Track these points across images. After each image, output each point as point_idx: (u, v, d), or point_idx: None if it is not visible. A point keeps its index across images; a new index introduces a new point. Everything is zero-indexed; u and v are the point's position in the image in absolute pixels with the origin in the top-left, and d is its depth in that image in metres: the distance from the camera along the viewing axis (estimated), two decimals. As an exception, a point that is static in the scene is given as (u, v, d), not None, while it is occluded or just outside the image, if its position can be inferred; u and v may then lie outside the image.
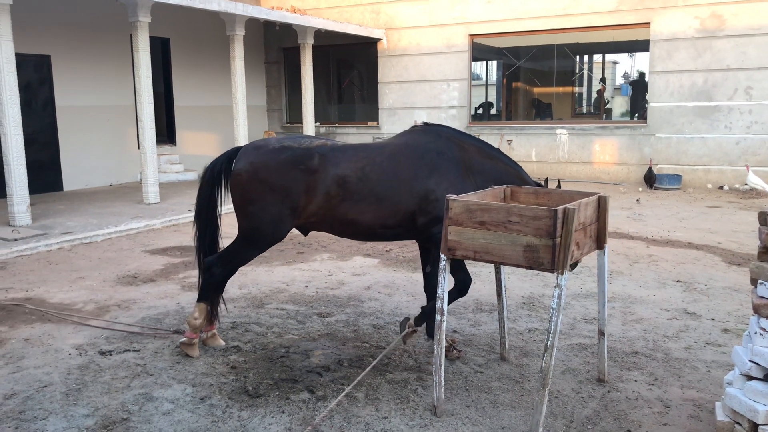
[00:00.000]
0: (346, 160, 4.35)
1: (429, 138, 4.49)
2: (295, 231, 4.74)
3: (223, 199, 4.69)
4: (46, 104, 12.50)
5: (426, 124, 4.66)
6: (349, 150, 4.44)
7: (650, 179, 13.17)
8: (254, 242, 4.51)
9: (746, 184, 12.45)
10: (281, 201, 4.32)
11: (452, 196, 3.64)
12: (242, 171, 4.39)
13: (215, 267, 4.63)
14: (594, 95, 20.24)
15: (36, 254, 7.98)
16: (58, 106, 12.67)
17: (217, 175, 4.62)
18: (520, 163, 4.99)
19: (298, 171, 4.30)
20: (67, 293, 6.34)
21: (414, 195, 4.31)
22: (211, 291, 4.69)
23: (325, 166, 4.31)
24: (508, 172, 4.50)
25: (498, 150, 4.63)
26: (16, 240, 8.24)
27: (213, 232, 4.78)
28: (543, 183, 4.59)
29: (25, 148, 9.31)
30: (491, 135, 14.87)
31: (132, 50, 11.25)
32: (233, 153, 4.59)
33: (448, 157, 4.38)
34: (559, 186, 4.54)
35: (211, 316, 4.79)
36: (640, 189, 12.90)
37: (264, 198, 4.33)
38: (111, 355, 4.72)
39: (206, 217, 4.73)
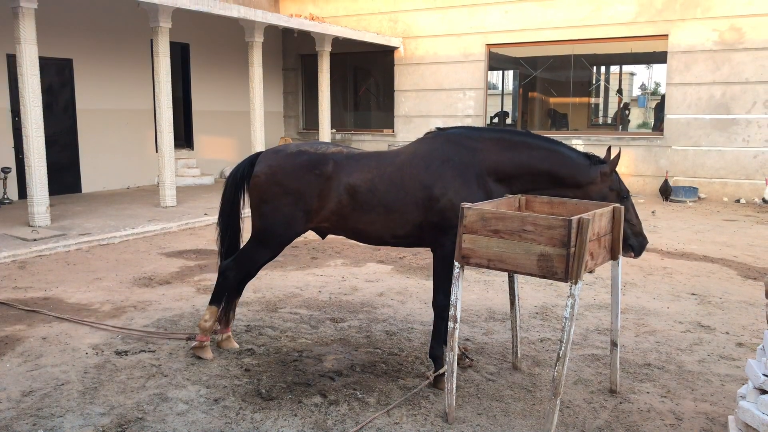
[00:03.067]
0: (358, 170, 4.37)
1: (436, 145, 4.39)
2: (311, 236, 4.80)
3: (245, 204, 4.77)
4: (66, 107, 12.68)
5: (439, 129, 4.57)
6: (362, 159, 4.45)
7: (666, 192, 13.09)
8: (265, 242, 4.58)
9: (764, 198, 12.36)
10: (295, 203, 4.40)
11: (467, 205, 3.67)
12: (260, 173, 4.51)
13: (229, 271, 4.70)
14: (611, 106, 20.17)
15: (54, 254, 8.09)
16: (78, 109, 12.85)
17: (240, 180, 4.72)
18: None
19: (312, 175, 4.37)
20: (84, 294, 6.42)
21: (420, 206, 4.26)
22: (223, 295, 4.75)
23: (339, 174, 4.36)
24: (535, 156, 4.25)
25: (525, 134, 4.40)
26: (35, 240, 8.37)
27: (234, 236, 4.86)
28: (592, 154, 4.33)
29: (46, 150, 9.45)
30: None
31: (152, 55, 11.42)
32: (255, 158, 4.69)
33: (454, 163, 4.26)
34: (617, 154, 4.26)
35: (227, 319, 4.85)
36: (653, 211, 12.75)
37: (278, 199, 4.43)
38: (127, 355, 4.78)
39: (228, 221, 4.83)
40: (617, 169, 4.39)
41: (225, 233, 4.84)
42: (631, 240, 4.20)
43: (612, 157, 4.35)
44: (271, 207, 4.46)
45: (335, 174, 4.36)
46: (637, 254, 4.25)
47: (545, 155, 4.28)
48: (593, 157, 4.33)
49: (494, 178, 4.29)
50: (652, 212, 11.78)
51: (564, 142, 4.52)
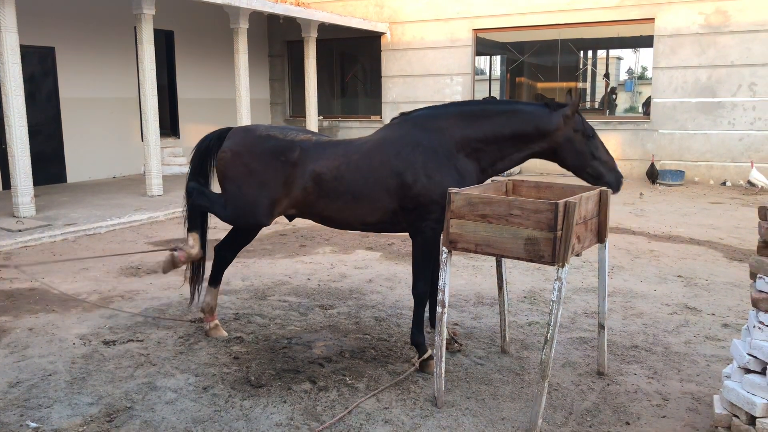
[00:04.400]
0: (324, 157, 4.32)
1: (404, 131, 4.33)
2: (299, 223, 4.79)
3: (211, 172, 4.74)
4: (50, 96, 12.52)
5: (402, 114, 4.51)
6: (329, 147, 4.40)
7: (652, 175, 13.16)
8: (234, 216, 4.53)
9: (749, 181, 12.45)
10: (259, 188, 4.38)
11: (454, 189, 3.66)
12: (227, 149, 4.50)
13: (195, 195, 4.64)
14: (599, 90, 20.21)
15: (40, 245, 8.02)
16: (62, 98, 12.69)
17: (205, 149, 4.70)
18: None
19: (278, 162, 4.34)
20: (71, 284, 6.38)
21: (392, 193, 4.21)
22: (197, 217, 4.70)
23: (304, 161, 4.32)
24: (496, 123, 4.24)
25: (484, 102, 4.42)
26: (20, 231, 8.29)
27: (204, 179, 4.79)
28: (550, 100, 4.37)
29: (29, 140, 9.34)
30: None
31: (136, 42, 11.28)
32: (225, 132, 4.68)
33: (424, 147, 4.21)
34: (577, 95, 4.38)
35: (213, 307, 4.86)
36: (641, 193, 12.76)
37: (243, 179, 4.42)
38: (115, 344, 4.76)
39: (196, 178, 4.74)
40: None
41: (193, 175, 4.75)
42: (607, 177, 4.24)
43: (573, 99, 4.32)
44: (235, 186, 4.45)
45: (301, 161, 4.32)
46: (616, 190, 4.24)
47: (506, 119, 4.27)
48: (552, 103, 4.32)
49: (464, 153, 4.26)
50: (640, 194, 11.86)
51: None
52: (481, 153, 4.29)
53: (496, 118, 4.27)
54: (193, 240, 4.71)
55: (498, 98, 17.98)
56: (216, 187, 4.75)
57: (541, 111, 4.26)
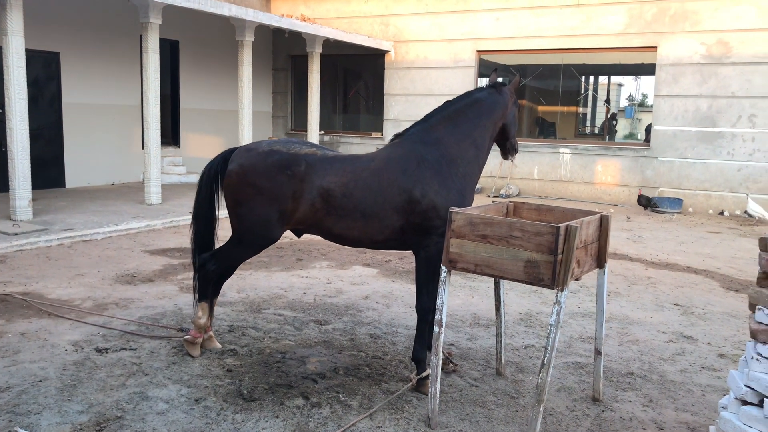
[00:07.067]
0: (332, 173, 4.30)
1: (407, 148, 4.40)
2: (296, 238, 4.77)
3: (220, 201, 4.72)
4: (52, 100, 12.54)
5: (397, 135, 4.59)
6: (336, 162, 4.38)
7: (644, 203, 13.18)
8: (245, 243, 4.55)
9: (746, 212, 12.48)
10: (268, 204, 4.35)
11: (455, 209, 3.66)
12: (232, 172, 4.46)
13: (209, 263, 4.66)
14: (599, 116, 20.31)
15: (36, 249, 7.98)
16: (64, 103, 12.71)
17: (214, 176, 4.68)
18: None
19: (284, 176, 4.31)
20: (65, 289, 6.34)
21: (400, 210, 4.24)
22: (208, 288, 4.72)
23: (311, 176, 4.30)
24: (470, 114, 4.52)
25: (447, 104, 4.58)
26: (16, 234, 8.25)
27: (210, 233, 4.81)
28: (493, 82, 4.73)
29: (30, 144, 9.33)
30: (494, 151, 14.91)
31: (141, 51, 11.31)
32: (228, 154, 4.65)
33: (429, 163, 4.30)
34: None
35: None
36: (628, 217, 12.81)
37: (252, 200, 4.38)
38: (107, 352, 4.72)
39: (204, 218, 4.77)
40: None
41: (200, 231, 4.79)
42: (516, 145, 4.90)
43: (495, 77, 4.81)
44: (245, 209, 4.42)
45: (307, 176, 4.30)
46: (513, 157, 4.99)
47: (476, 109, 4.55)
48: (496, 84, 4.69)
49: (460, 159, 4.42)
50: (627, 218, 11.95)
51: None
52: (476, 147, 4.50)
53: (468, 110, 4.54)
54: (202, 311, 4.71)
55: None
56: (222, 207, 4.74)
57: (494, 93, 4.62)
